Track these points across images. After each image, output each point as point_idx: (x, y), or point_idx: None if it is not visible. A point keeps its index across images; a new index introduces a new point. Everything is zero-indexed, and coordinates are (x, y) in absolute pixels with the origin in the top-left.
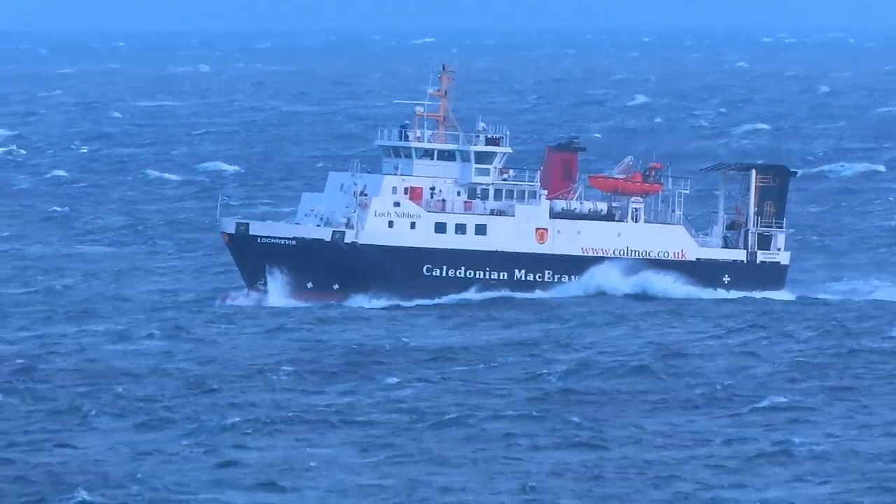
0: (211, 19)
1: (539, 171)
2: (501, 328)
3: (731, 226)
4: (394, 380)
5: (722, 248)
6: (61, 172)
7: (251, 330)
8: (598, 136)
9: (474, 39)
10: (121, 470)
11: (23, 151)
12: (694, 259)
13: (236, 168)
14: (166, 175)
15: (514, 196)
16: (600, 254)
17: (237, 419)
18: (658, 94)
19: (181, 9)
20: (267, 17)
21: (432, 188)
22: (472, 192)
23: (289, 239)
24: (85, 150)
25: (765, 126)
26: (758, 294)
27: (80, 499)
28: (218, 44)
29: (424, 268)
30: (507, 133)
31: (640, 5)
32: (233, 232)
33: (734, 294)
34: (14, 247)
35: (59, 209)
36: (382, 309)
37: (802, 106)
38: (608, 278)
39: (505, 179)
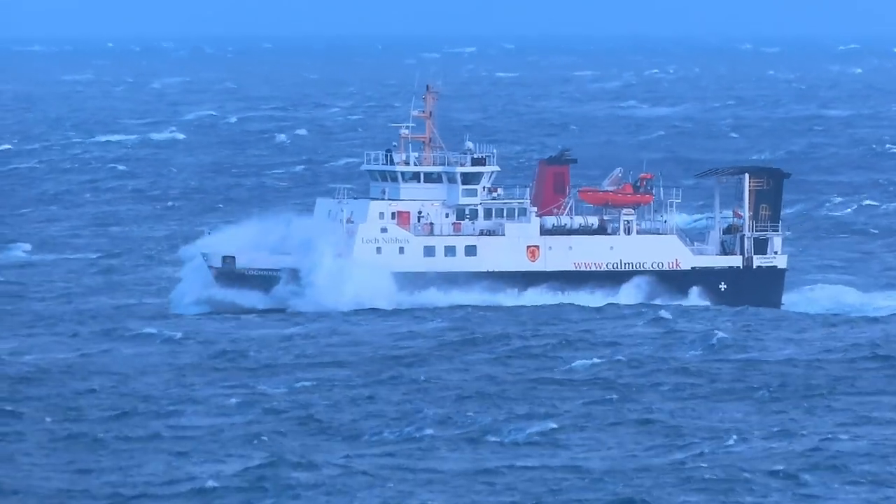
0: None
1: (530, 187)
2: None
3: (729, 230)
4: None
5: (720, 253)
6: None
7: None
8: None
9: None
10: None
11: None
12: (689, 268)
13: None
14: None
15: (504, 215)
16: (593, 268)
17: None
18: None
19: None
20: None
21: (419, 212)
22: (461, 214)
23: (276, 270)
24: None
25: None
26: (755, 300)
27: None
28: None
29: (415, 292)
30: (494, 151)
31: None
32: (220, 266)
33: (731, 301)
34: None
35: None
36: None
37: None
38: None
39: (494, 198)
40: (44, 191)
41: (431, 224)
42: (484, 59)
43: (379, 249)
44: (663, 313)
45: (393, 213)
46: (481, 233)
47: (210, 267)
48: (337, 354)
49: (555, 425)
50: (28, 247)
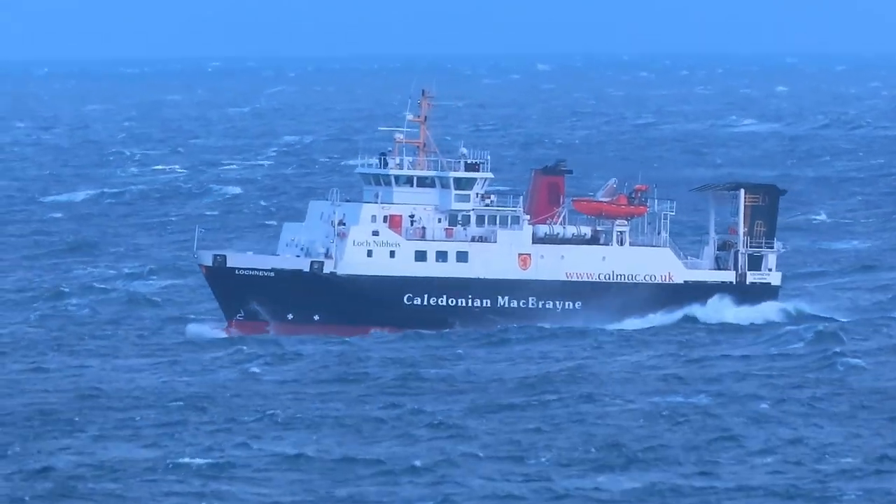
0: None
1: (523, 196)
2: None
3: (723, 246)
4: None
5: (714, 269)
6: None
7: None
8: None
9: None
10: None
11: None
12: (681, 281)
13: None
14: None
15: (497, 222)
16: (585, 278)
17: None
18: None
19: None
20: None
21: (412, 216)
22: (453, 219)
23: (266, 270)
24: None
25: None
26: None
27: None
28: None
29: (405, 297)
30: (488, 158)
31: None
32: (210, 264)
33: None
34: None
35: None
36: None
37: None
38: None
39: (487, 205)
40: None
41: (423, 228)
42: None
43: (370, 252)
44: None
45: (385, 217)
46: (473, 239)
47: (200, 265)
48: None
49: None
50: None
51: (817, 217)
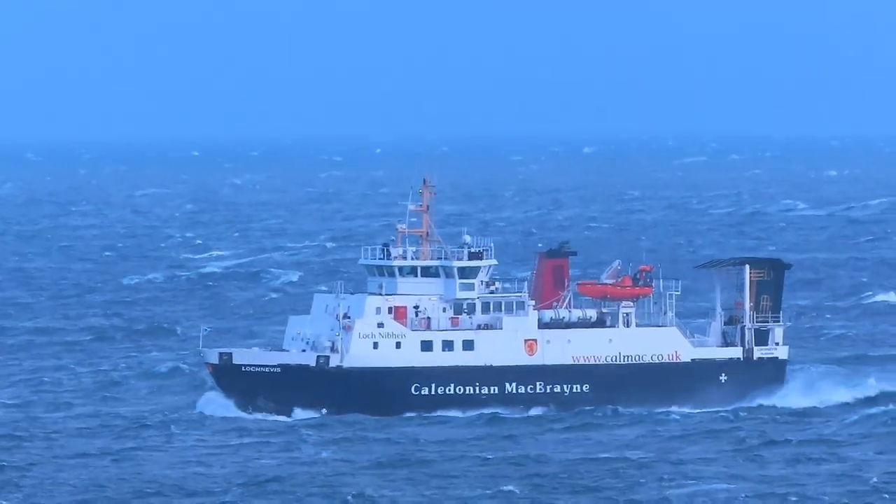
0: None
1: (528, 280)
2: None
3: (730, 321)
4: None
5: (721, 345)
6: None
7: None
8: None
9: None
10: None
11: None
12: (689, 360)
13: None
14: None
15: (503, 308)
16: (592, 361)
17: None
18: None
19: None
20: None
21: (416, 306)
22: (458, 308)
23: (273, 366)
24: None
25: None
26: (756, 391)
27: None
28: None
29: (413, 387)
30: (492, 245)
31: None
32: (216, 362)
33: (732, 392)
34: None
35: None
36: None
37: None
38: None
39: (492, 291)
40: None
41: (429, 318)
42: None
43: (376, 345)
44: None
45: (390, 308)
46: (479, 327)
47: (206, 363)
48: None
49: None
50: None
51: None
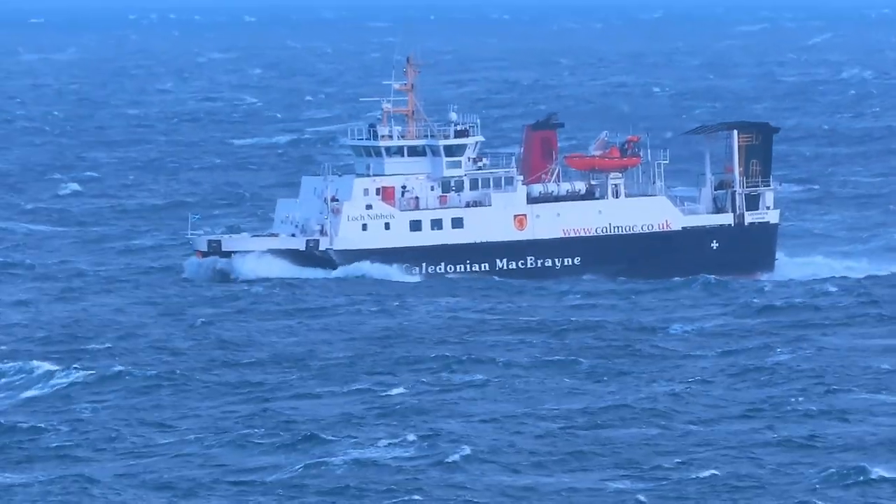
0: None
1: (516, 154)
2: None
3: (720, 186)
4: None
5: (712, 211)
6: None
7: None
8: None
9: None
10: None
11: None
12: (680, 228)
13: None
14: None
15: (491, 184)
16: (582, 234)
17: None
18: None
19: None
20: None
21: (403, 186)
22: (446, 186)
23: (262, 252)
24: None
25: None
26: (748, 257)
27: None
28: None
29: (403, 267)
30: (478, 121)
31: None
32: (206, 249)
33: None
34: None
35: None
36: None
37: None
38: None
39: (479, 168)
40: None
41: (417, 198)
42: None
43: (365, 226)
44: None
45: (378, 189)
46: (468, 204)
47: (196, 251)
48: None
49: None
50: None
51: None
